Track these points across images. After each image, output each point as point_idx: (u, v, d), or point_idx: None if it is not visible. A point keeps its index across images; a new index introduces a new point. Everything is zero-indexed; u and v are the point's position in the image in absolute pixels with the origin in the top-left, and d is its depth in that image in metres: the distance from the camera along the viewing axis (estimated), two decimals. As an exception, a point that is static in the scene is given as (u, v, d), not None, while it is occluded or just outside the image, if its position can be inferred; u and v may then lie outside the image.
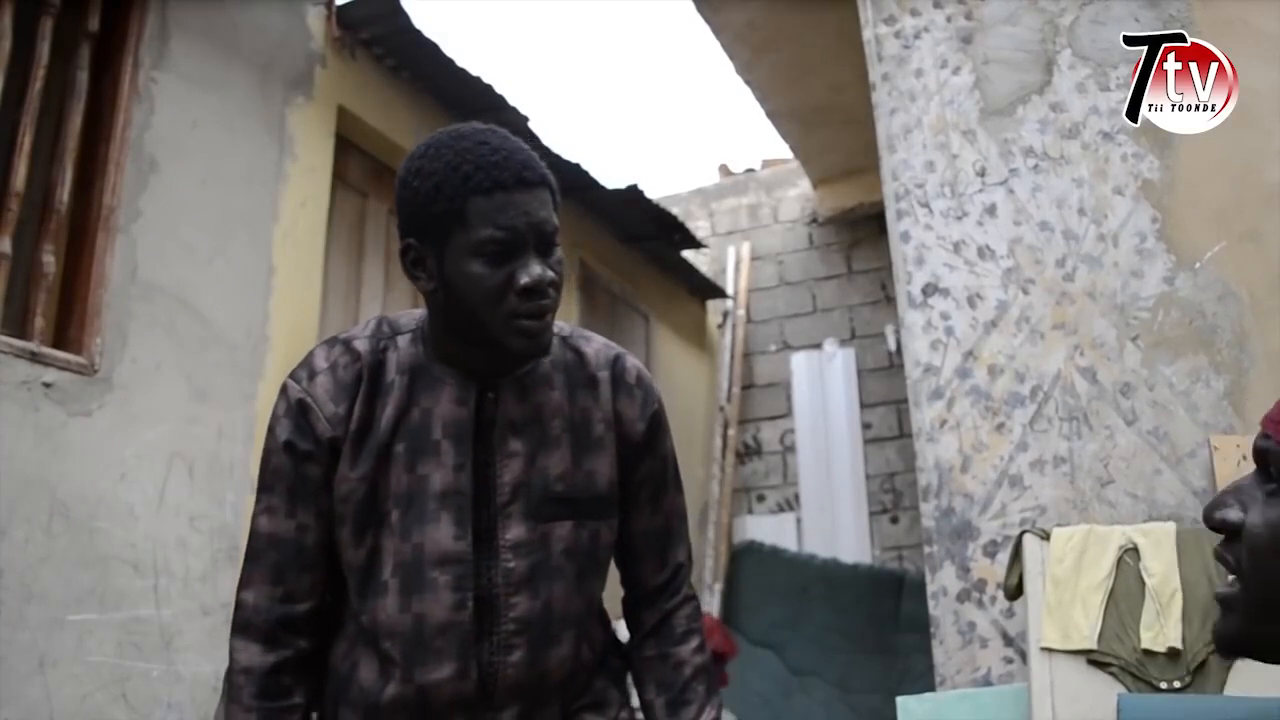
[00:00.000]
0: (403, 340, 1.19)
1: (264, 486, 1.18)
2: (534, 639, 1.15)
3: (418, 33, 3.55)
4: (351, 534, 1.14)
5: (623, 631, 1.32)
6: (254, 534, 1.18)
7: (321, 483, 1.15)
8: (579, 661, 1.21)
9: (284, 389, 1.18)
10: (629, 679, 1.31)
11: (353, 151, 3.72)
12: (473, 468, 1.15)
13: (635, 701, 1.30)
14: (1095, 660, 1.79)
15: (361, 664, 1.16)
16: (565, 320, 1.28)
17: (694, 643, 1.26)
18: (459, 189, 1.08)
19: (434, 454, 1.14)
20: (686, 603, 1.28)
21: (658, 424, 1.27)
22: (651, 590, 1.28)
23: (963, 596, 2.17)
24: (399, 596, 1.12)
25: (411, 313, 1.24)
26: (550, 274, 1.10)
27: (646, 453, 1.25)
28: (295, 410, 1.15)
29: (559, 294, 1.13)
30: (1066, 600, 1.84)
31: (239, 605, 1.18)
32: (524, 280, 1.08)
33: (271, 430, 1.18)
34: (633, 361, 1.27)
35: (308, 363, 1.19)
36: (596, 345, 1.27)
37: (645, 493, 1.26)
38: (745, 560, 5.48)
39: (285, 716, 1.14)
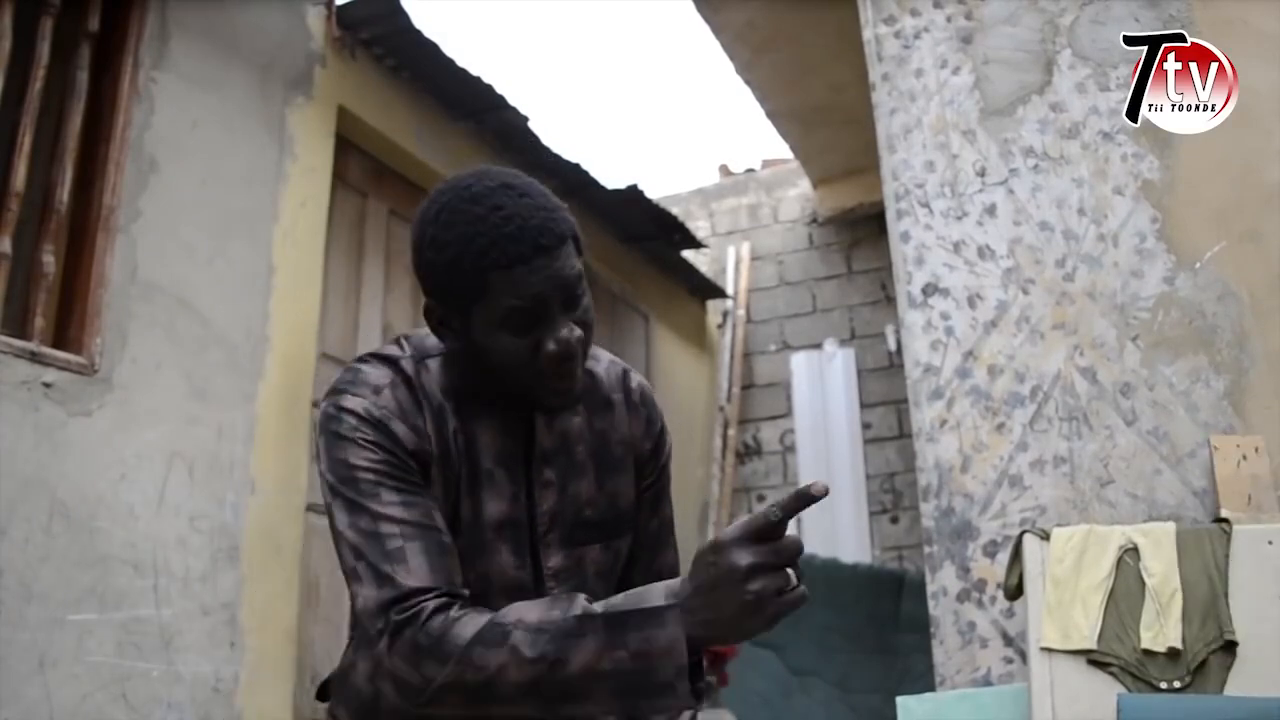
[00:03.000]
0: (434, 364, 1.15)
1: (358, 495, 1.04)
2: None
3: (418, 33, 3.55)
4: None
5: None
6: (367, 528, 1.03)
7: (424, 483, 1.07)
8: None
9: (347, 408, 1.07)
10: None
11: (353, 151, 3.72)
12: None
13: None
14: (1095, 660, 1.79)
15: (386, 684, 1.11)
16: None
17: None
18: (476, 264, 1.03)
19: (489, 482, 1.13)
20: None
21: (662, 440, 1.29)
22: None
23: (963, 596, 2.17)
24: None
25: (431, 335, 1.19)
26: (578, 332, 1.06)
27: (651, 467, 1.28)
28: (374, 425, 1.06)
29: (590, 340, 1.09)
30: (1066, 600, 1.84)
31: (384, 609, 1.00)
32: (551, 347, 1.05)
33: (350, 447, 1.05)
34: (637, 379, 1.28)
35: (362, 380, 1.10)
36: (604, 364, 1.26)
37: (646, 502, 1.28)
38: (745, 560, 5.47)
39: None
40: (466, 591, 1.03)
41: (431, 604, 0.98)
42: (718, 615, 0.89)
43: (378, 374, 1.11)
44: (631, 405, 1.26)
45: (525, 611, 0.96)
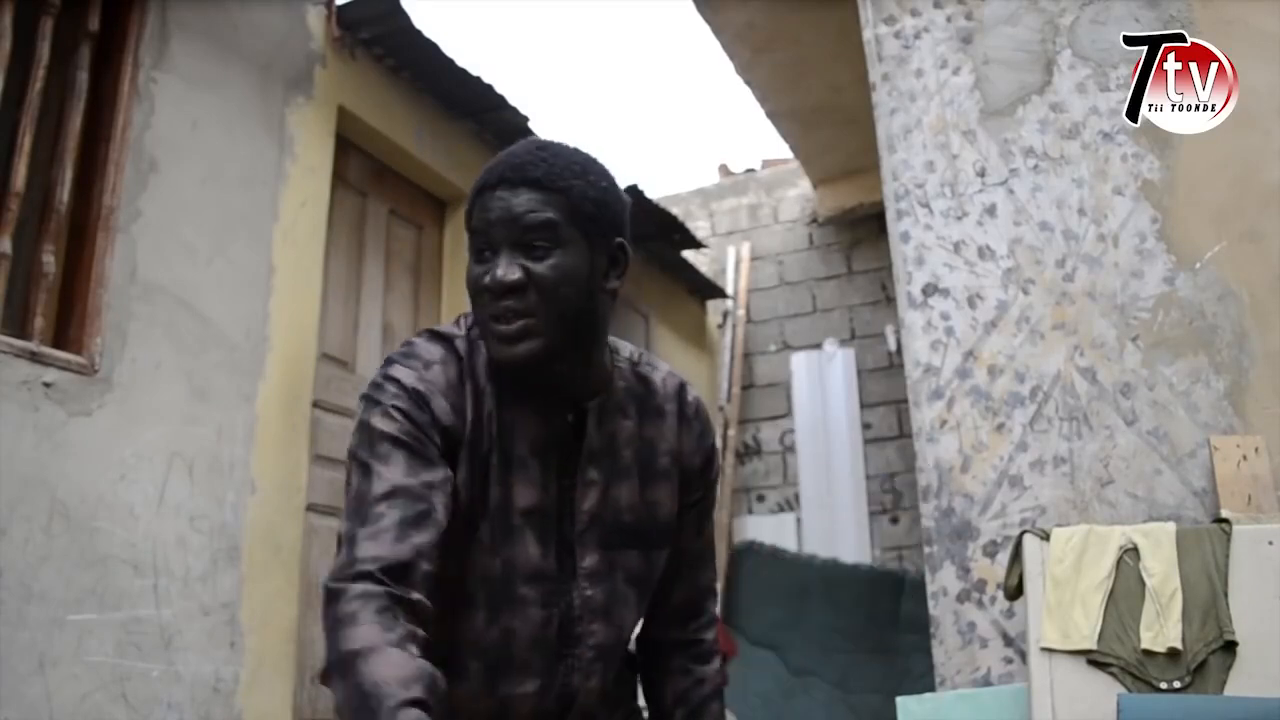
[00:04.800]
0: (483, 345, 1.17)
1: (371, 459, 1.05)
2: (608, 664, 1.19)
3: (418, 33, 3.55)
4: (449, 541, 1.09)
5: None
6: (362, 489, 1.04)
7: (444, 460, 1.07)
8: (617, 676, 1.26)
9: (393, 377, 1.09)
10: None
11: (353, 151, 3.72)
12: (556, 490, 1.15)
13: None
14: (1095, 660, 1.79)
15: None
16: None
17: (716, 663, 1.32)
18: (473, 191, 1.13)
19: (521, 469, 1.13)
20: (712, 624, 1.33)
21: (712, 456, 1.30)
22: (678, 608, 1.31)
23: (963, 596, 2.17)
24: (486, 610, 1.12)
25: None
26: (514, 275, 1.06)
27: (700, 483, 1.28)
28: (413, 397, 1.07)
29: (547, 297, 1.08)
30: (1066, 600, 1.83)
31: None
32: (485, 279, 1.08)
33: (383, 414, 1.07)
34: (694, 394, 1.28)
35: (414, 354, 1.13)
36: (662, 373, 1.27)
37: (691, 518, 1.28)
38: (745, 560, 5.48)
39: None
40: (427, 567, 1.01)
41: (358, 589, 0.97)
42: None
43: (431, 350, 1.14)
44: (685, 418, 1.26)
45: (385, 656, 0.92)
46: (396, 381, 1.09)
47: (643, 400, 1.23)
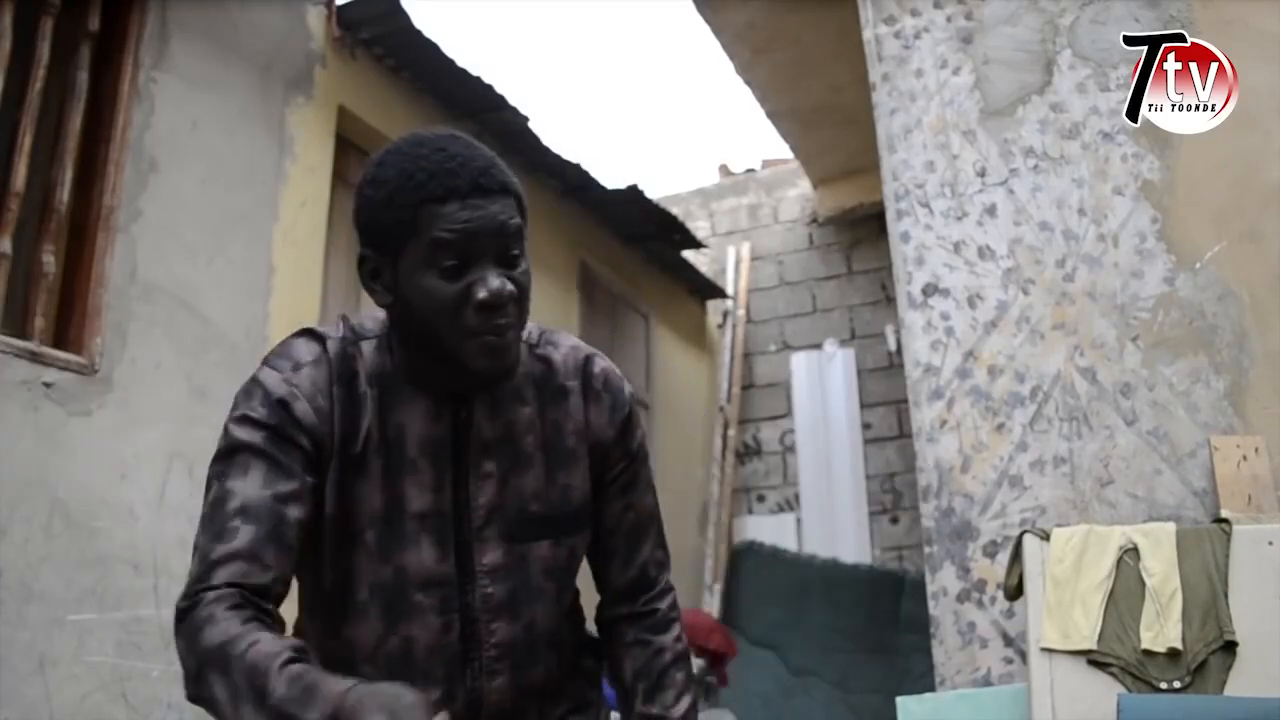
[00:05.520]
0: (367, 347, 1.12)
1: (227, 469, 1.03)
2: (516, 661, 1.14)
3: (418, 33, 3.55)
4: (326, 551, 1.08)
5: (591, 626, 1.31)
6: (217, 501, 1.02)
7: (305, 469, 1.04)
8: (551, 671, 1.20)
9: (260, 380, 1.07)
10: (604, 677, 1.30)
11: (353, 151, 3.72)
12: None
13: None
14: (1095, 660, 1.79)
15: (311, 625, 1.14)
16: (566, 321, 1.24)
17: (674, 631, 1.25)
18: (411, 197, 1.02)
19: (411, 472, 1.09)
20: (665, 593, 1.27)
21: (628, 427, 1.23)
22: (623, 587, 1.25)
23: (963, 596, 2.17)
24: (382, 620, 1.09)
25: (376, 317, 1.17)
26: (510, 287, 1.03)
27: (617, 454, 1.21)
28: (277, 404, 1.05)
29: (524, 307, 1.06)
30: (1066, 600, 1.83)
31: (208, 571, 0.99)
32: (480, 294, 1.01)
33: (243, 421, 1.05)
34: (601, 365, 1.22)
35: (288, 353, 1.10)
36: (564, 350, 1.20)
37: (614, 491, 1.22)
38: (745, 560, 5.48)
39: None
40: (281, 589, 1.01)
41: (211, 595, 0.95)
42: None
43: (303, 349, 1.11)
44: (591, 392, 1.19)
45: (260, 644, 0.91)
46: (262, 386, 1.06)
47: (543, 382, 1.17)
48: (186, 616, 0.96)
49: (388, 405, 1.10)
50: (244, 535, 0.99)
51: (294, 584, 1.11)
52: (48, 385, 2.39)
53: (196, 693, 0.95)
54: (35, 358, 2.38)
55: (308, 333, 1.14)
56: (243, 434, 1.04)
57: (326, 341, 1.12)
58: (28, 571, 2.27)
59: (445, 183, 1.02)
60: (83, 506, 2.42)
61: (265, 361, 1.10)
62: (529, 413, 1.16)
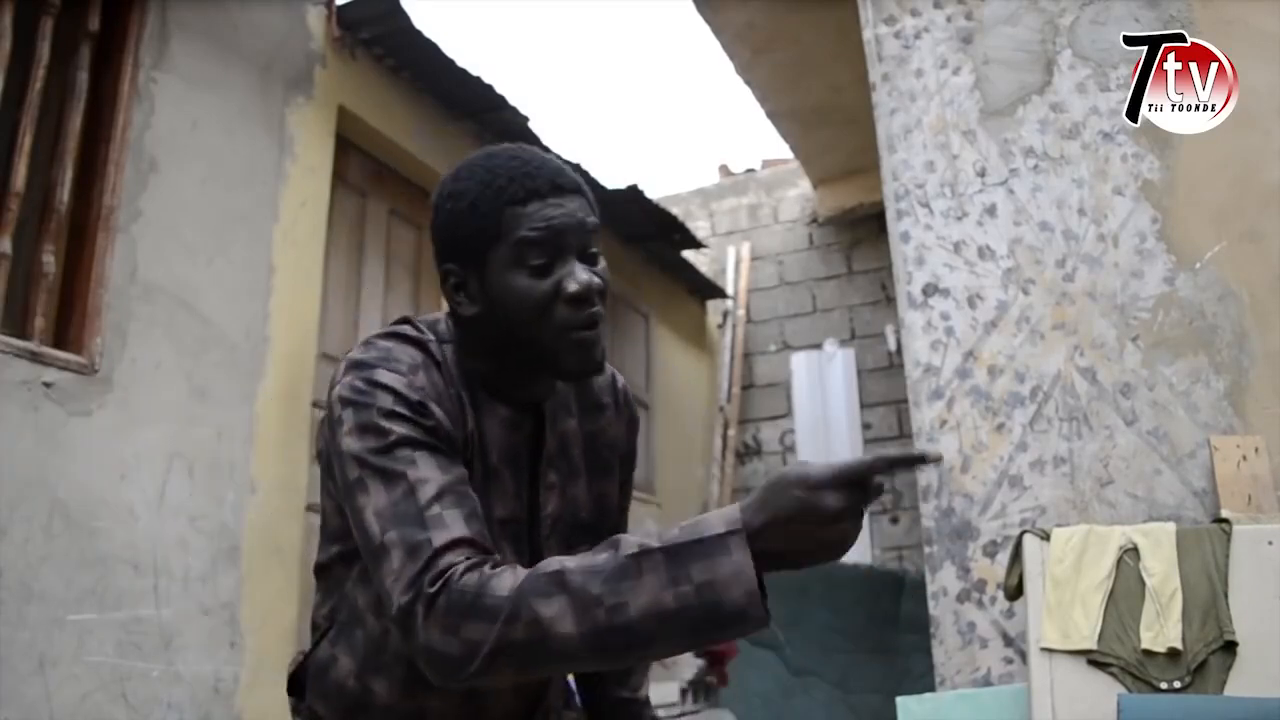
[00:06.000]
0: (449, 352, 1.11)
1: (394, 463, 0.97)
2: None
3: (418, 33, 3.56)
4: None
5: None
6: (406, 493, 0.96)
7: (460, 459, 1.02)
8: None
9: (382, 384, 1.01)
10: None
11: (353, 151, 3.72)
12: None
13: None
14: (1095, 660, 1.79)
15: (379, 681, 1.10)
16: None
17: None
18: (493, 203, 1.04)
19: (496, 480, 1.10)
20: None
21: (636, 435, 1.32)
22: None
23: (963, 596, 2.17)
24: None
25: (440, 320, 1.15)
26: (597, 280, 1.06)
27: (629, 463, 1.30)
28: (419, 405, 1.01)
29: (603, 303, 1.08)
30: (1066, 600, 1.83)
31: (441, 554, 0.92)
32: (571, 287, 1.03)
33: (391, 416, 0.99)
34: (622, 380, 1.29)
35: (393, 358, 1.05)
36: None
37: (624, 496, 1.31)
38: (745, 560, 5.47)
39: None
40: (491, 553, 0.95)
41: (463, 564, 0.90)
42: (789, 548, 0.85)
43: (408, 354, 1.07)
44: (619, 408, 1.26)
45: (567, 560, 0.88)
46: (389, 389, 1.01)
47: (581, 395, 1.22)
48: (441, 594, 0.89)
49: (476, 411, 1.11)
50: (451, 516, 0.95)
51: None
52: (48, 385, 2.39)
53: (505, 641, 0.86)
54: (35, 358, 2.38)
55: (395, 337, 1.10)
56: (399, 428, 0.99)
57: (427, 345, 1.10)
58: (28, 571, 2.27)
59: (525, 184, 1.05)
60: (83, 506, 2.42)
61: (369, 364, 1.04)
62: (574, 424, 1.20)
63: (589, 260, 1.07)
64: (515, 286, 1.04)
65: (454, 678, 0.89)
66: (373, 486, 0.97)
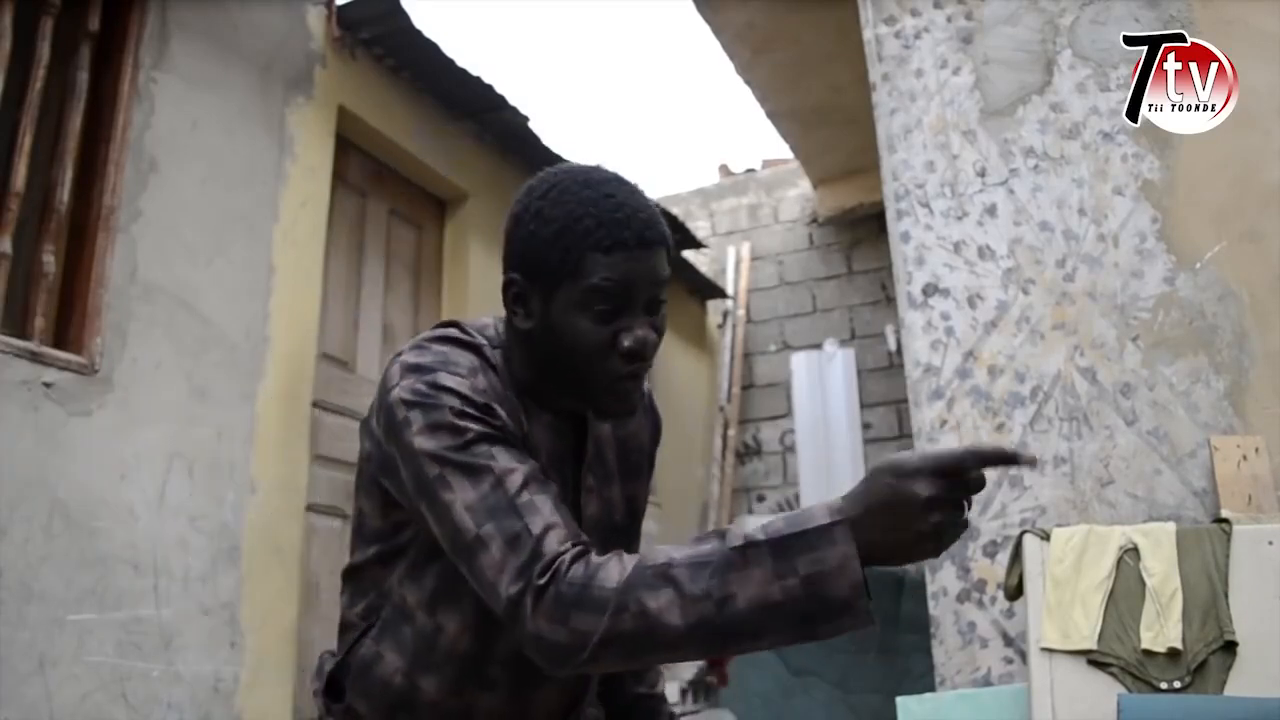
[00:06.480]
0: (498, 356, 1.12)
1: (475, 457, 0.98)
2: None
3: (418, 33, 3.55)
4: None
5: None
6: (495, 484, 0.97)
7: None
8: None
9: (446, 387, 1.02)
10: None
11: (353, 151, 3.72)
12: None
13: None
14: (1095, 660, 1.79)
15: (428, 678, 1.10)
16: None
17: None
18: (579, 242, 1.03)
19: None
20: None
21: (658, 443, 1.35)
22: None
23: (963, 596, 2.17)
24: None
25: (487, 324, 1.17)
26: (653, 336, 1.07)
27: (652, 466, 1.34)
28: (485, 407, 1.02)
29: (655, 352, 1.09)
30: (1066, 600, 1.83)
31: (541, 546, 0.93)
32: (628, 343, 1.05)
33: (463, 415, 1.00)
34: (649, 388, 1.30)
35: (452, 361, 1.06)
36: None
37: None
38: (745, 560, 5.48)
39: None
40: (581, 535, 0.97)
41: (569, 555, 0.91)
42: (886, 538, 0.85)
43: (465, 358, 1.08)
44: (648, 414, 1.31)
45: (673, 551, 0.90)
46: (453, 391, 1.02)
47: None
48: (551, 584, 0.90)
49: (527, 415, 1.12)
50: (541, 501, 0.96)
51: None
52: (48, 385, 2.39)
53: (613, 632, 0.88)
54: (35, 358, 2.38)
55: (449, 340, 1.10)
56: (473, 425, 1.00)
57: (482, 350, 1.11)
58: (28, 571, 2.27)
59: (614, 233, 1.04)
60: (83, 506, 2.42)
61: (428, 368, 1.05)
62: (607, 430, 1.23)
63: (653, 309, 1.08)
64: (575, 326, 1.05)
65: (564, 666, 0.91)
66: (456, 482, 0.98)
